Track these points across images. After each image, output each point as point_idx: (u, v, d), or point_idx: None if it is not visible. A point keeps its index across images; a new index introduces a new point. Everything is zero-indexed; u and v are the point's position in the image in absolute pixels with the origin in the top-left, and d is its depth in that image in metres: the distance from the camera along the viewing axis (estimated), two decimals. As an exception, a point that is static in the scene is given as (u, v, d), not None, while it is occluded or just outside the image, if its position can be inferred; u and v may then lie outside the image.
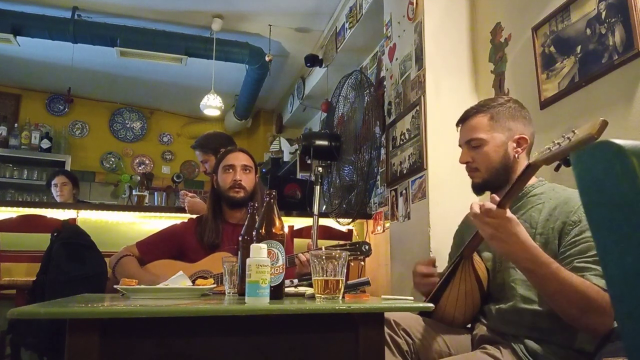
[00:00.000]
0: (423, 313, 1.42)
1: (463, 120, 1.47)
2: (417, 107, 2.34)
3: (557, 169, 1.10)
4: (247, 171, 2.07)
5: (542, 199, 1.33)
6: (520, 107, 1.45)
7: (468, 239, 1.32)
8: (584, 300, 1.08)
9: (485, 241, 1.20)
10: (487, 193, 1.41)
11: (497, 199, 1.13)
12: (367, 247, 1.69)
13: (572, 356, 1.17)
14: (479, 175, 1.42)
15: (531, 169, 1.10)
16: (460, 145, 1.49)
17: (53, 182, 3.71)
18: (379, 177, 3.27)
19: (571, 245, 1.19)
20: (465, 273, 1.33)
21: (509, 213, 1.13)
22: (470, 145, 1.42)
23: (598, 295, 1.07)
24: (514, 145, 1.38)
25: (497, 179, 1.39)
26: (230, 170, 2.05)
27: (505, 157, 1.38)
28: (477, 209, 1.15)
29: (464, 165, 1.47)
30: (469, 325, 1.43)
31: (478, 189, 1.44)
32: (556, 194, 1.31)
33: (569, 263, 1.16)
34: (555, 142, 1.03)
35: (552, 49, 1.86)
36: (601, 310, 1.07)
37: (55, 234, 2.25)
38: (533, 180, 1.40)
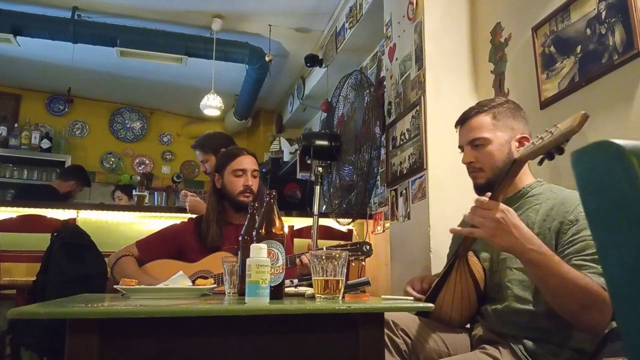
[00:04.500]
0: (420, 313, 1.42)
1: (463, 121, 1.46)
2: (417, 107, 2.33)
3: (540, 163, 1.11)
4: (255, 176, 2.11)
5: (540, 199, 1.32)
6: (518, 108, 1.45)
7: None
8: (585, 296, 1.07)
9: (483, 241, 1.19)
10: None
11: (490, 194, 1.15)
12: (368, 247, 1.69)
13: (571, 356, 1.17)
14: (483, 175, 1.39)
15: (517, 164, 1.13)
16: (460, 147, 1.47)
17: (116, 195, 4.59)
18: (379, 177, 3.27)
19: (569, 245, 1.18)
20: (460, 273, 1.33)
21: (503, 205, 1.13)
22: (474, 145, 1.40)
23: (599, 291, 1.07)
24: (517, 144, 1.37)
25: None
26: (242, 175, 2.07)
27: (509, 156, 1.34)
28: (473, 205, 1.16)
29: (464, 166, 1.46)
30: (468, 325, 1.43)
31: (482, 190, 1.37)
32: (553, 194, 1.31)
33: (567, 262, 1.15)
34: (539, 136, 1.06)
35: (552, 49, 1.86)
36: (600, 307, 1.07)
37: (55, 234, 2.26)
38: (531, 180, 1.39)
